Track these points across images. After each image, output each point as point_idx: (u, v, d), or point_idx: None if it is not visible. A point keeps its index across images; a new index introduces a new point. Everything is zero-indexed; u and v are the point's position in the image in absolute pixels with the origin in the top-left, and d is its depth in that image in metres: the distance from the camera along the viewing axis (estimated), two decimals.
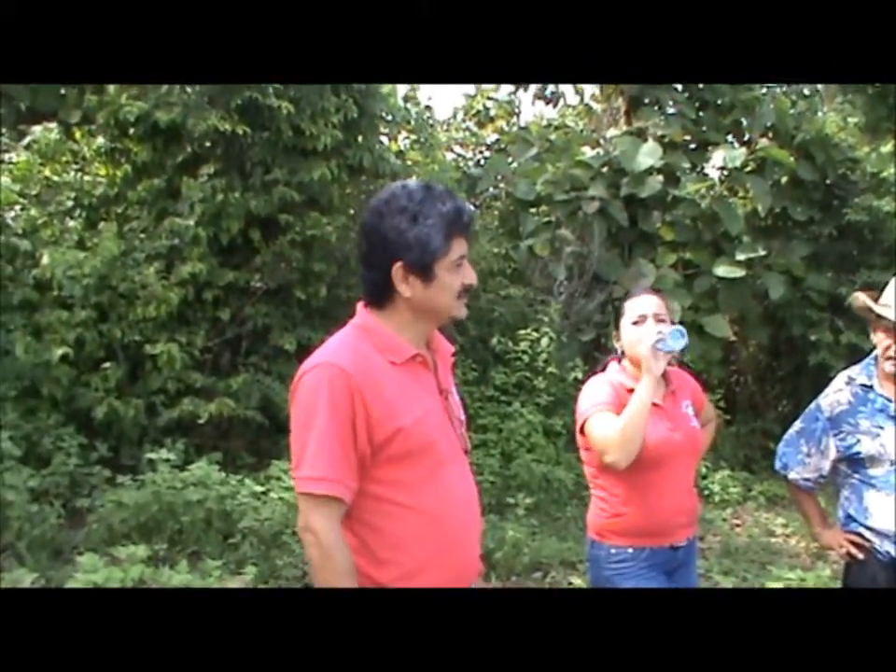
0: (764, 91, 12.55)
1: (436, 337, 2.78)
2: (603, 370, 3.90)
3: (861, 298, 3.80)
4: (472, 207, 11.39)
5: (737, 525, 9.15)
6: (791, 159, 11.34)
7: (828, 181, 11.88)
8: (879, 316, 3.67)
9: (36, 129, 8.86)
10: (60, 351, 7.57)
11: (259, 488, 7.30)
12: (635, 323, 3.72)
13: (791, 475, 4.01)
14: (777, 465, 4.10)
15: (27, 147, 8.87)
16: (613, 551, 3.72)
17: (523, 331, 10.11)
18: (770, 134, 11.89)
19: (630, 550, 3.69)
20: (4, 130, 9.49)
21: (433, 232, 2.52)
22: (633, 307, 3.76)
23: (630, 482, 3.64)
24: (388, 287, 2.58)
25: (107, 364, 8.00)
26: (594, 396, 3.72)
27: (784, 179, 11.90)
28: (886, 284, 3.74)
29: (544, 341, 10.01)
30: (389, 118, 10.37)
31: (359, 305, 2.70)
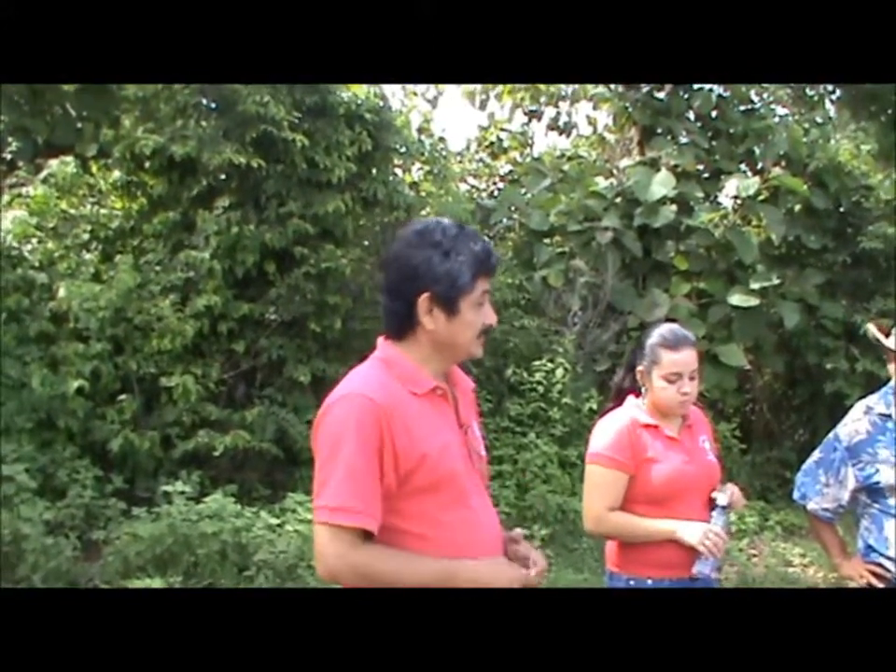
0: (777, 119, 12.60)
1: (455, 372, 2.79)
2: (620, 403, 3.89)
3: (872, 330, 3.80)
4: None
5: (754, 556, 9.09)
6: (805, 187, 11.33)
7: (841, 209, 11.89)
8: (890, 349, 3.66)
9: (53, 162, 8.92)
10: (76, 383, 7.60)
11: (274, 521, 7.29)
12: (670, 381, 3.70)
13: (810, 505, 3.99)
14: (796, 495, 4.07)
15: (44, 181, 8.93)
16: (632, 582, 3.70)
17: (537, 362, 10.09)
18: (783, 163, 11.91)
19: (649, 581, 3.66)
20: (21, 164, 9.55)
21: (463, 268, 2.55)
22: (669, 360, 3.70)
23: (646, 513, 3.64)
24: (412, 318, 2.59)
25: (123, 396, 8.03)
26: (604, 436, 3.75)
27: (797, 207, 11.89)
28: None
29: (559, 371, 9.99)
30: (403, 150, 10.41)
31: (380, 339, 2.71)
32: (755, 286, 10.68)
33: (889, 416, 3.75)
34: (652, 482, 3.62)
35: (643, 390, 3.80)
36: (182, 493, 7.16)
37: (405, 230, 2.67)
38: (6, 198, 9.09)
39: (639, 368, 3.78)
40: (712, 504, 3.69)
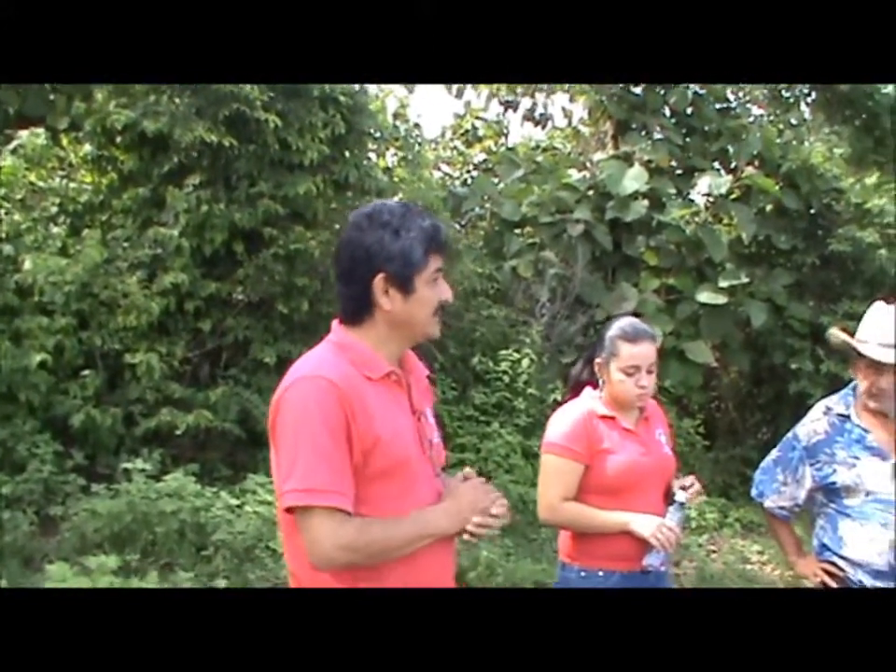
0: (752, 119, 12.66)
1: (410, 357, 2.79)
2: (577, 394, 3.90)
3: (838, 335, 3.81)
4: (457, 226, 11.42)
5: (713, 552, 9.15)
6: (777, 187, 11.42)
7: (812, 210, 11.96)
8: (859, 353, 3.67)
9: (23, 134, 8.82)
10: (39, 357, 7.51)
11: (234, 501, 7.27)
12: (628, 374, 3.70)
13: (767, 503, 4.01)
14: (753, 492, 4.10)
15: (13, 152, 8.81)
16: (583, 573, 3.72)
17: (504, 352, 10.10)
18: (756, 163, 11.97)
19: (600, 573, 3.68)
20: None
21: (415, 245, 2.56)
22: (628, 353, 3.71)
23: (601, 504, 3.65)
24: (368, 301, 2.59)
25: (86, 372, 7.95)
26: (560, 426, 3.78)
27: (769, 207, 11.96)
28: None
29: (525, 362, 10.01)
30: (378, 134, 10.38)
31: (335, 323, 2.70)
32: (724, 284, 10.73)
33: (847, 417, 3.77)
34: (607, 473, 3.64)
35: (601, 382, 3.81)
36: (142, 471, 7.11)
37: (354, 214, 2.68)
38: None
39: (598, 360, 3.79)
40: (670, 498, 3.71)
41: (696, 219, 11.42)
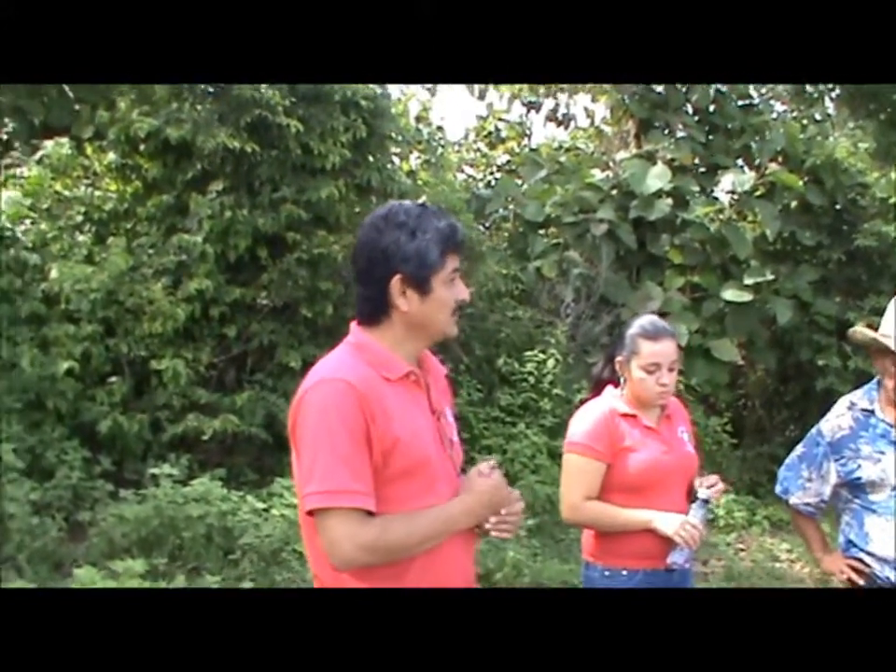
0: (775, 115, 12.60)
1: (428, 358, 2.79)
2: (599, 393, 3.90)
3: (862, 332, 3.78)
4: (481, 228, 11.42)
5: (742, 550, 9.10)
6: (801, 183, 11.36)
7: (837, 206, 11.90)
8: (883, 348, 3.64)
9: (48, 144, 8.90)
10: (66, 365, 7.59)
11: (260, 505, 7.30)
12: (649, 372, 3.70)
13: (792, 500, 3.99)
14: (778, 489, 4.07)
15: (39, 162, 8.91)
16: (607, 572, 3.71)
17: (529, 353, 10.10)
18: (780, 159, 11.93)
19: (624, 572, 3.67)
20: (17, 144, 9.55)
21: (431, 245, 2.56)
22: (649, 351, 3.71)
23: (624, 502, 3.65)
24: (385, 302, 2.59)
25: (113, 379, 8.02)
26: (581, 425, 3.79)
27: (793, 204, 11.92)
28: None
29: (550, 362, 10.00)
30: (400, 138, 10.39)
31: (353, 324, 2.71)
32: (749, 281, 10.71)
33: (871, 412, 3.75)
34: (629, 471, 3.63)
35: (622, 381, 3.80)
36: (170, 476, 7.14)
37: (370, 216, 2.67)
38: (0, 178, 9.08)
39: (619, 358, 3.79)
40: (692, 496, 3.70)
41: (720, 217, 11.39)
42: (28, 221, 8.54)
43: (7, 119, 9.93)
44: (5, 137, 9.98)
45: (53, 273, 7.86)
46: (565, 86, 13.67)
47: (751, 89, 12.77)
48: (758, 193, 11.56)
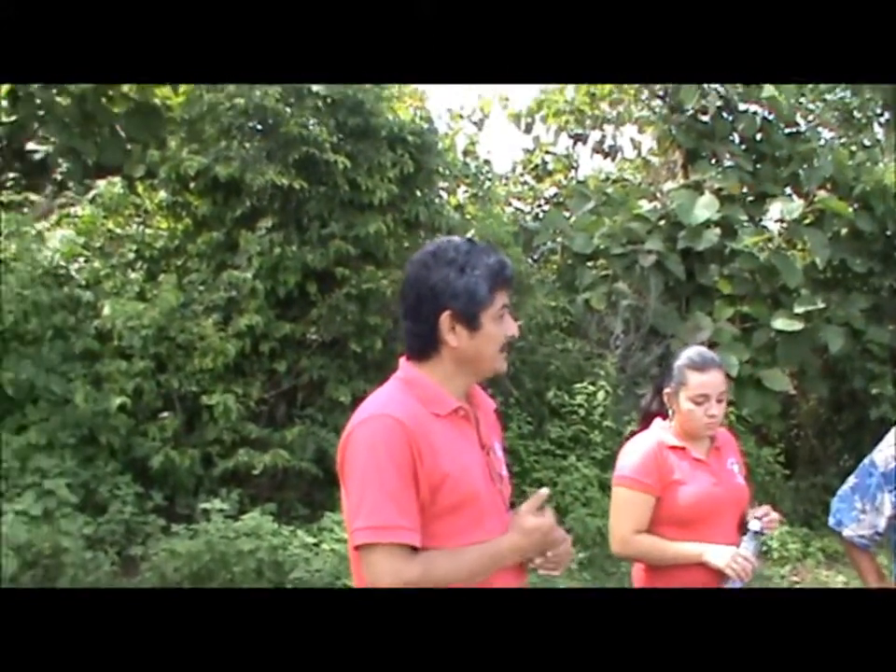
0: (822, 142, 12.52)
1: (477, 392, 2.78)
2: (647, 425, 3.89)
3: None
4: (529, 261, 11.43)
5: (796, 583, 8.99)
6: (850, 210, 11.26)
7: (888, 232, 11.76)
8: None
9: (101, 183, 9.05)
10: (118, 400, 7.69)
11: (311, 539, 7.33)
12: (697, 403, 3.68)
13: (846, 532, 3.93)
14: (831, 521, 4.01)
15: (92, 201, 9.05)
16: None
17: (579, 385, 10.08)
18: (828, 186, 11.83)
19: None
20: (71, 184, 9.71)
21: (480, 282, 2.56)
22: (696, 382, 3.69)
23: (674, 535, 3.62)
24: (434, 337, 2.59)
25: (165, 414, 8.12)
26: (630, 458, 3.78)
27: (843, 231, 11.79)
28: None
29: (600, 394, 9.97)
30: (447, 172, 10.45)
31: (402, 359, 2.71)
32: (799, 310, 10.62)
33: None
34: (679, 504, 3.61)
35: (670, 412, 3.79)
36: (221, 511, 7.21)
37: (418, 253, 2.68)
38: (54, 217, 9.23)
39: (666, 390, 3.77)
40: (744, 528, 3.66)
41: (769, 246, 11.30)
42: (81, 259, 8.68)
43: (60, 160, 10.11)
44: (59, 177, 10.16)
45: (106, 310, 7.97)
46: (611, 117, 13.68)
47: (798, 116, 12.72)
48: (807, 221, 11.47)
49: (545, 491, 2.65)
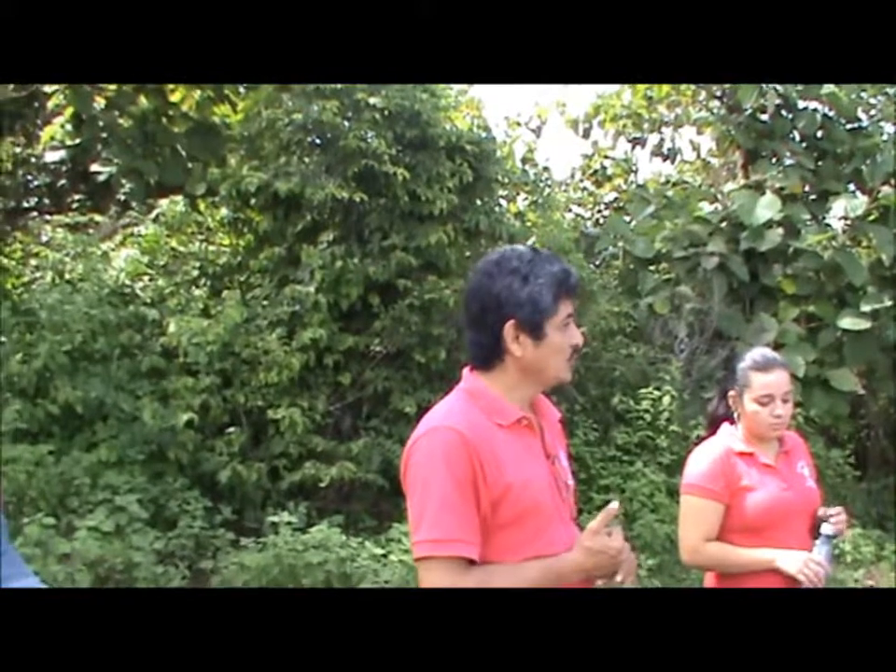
0: (885, 137, 12.34)
1: (541, 402, 2.76)
2: (715, 431, 3.86)
3: None
4: (591, 267, 11.39)
5: (871, 587, 8.85)
6: None
7: None
8: None
9: (164, 202, 9.17)
10: (185, 416, 7.78)
11: (379, 551, 7.35)
12: (762, 404, 3.65)
13: None
14: None
15: (155, 220, 9.19)
16: None
17: (644, 390, 10.01)
18: (892, 181, 11.65)
19: None
20: (134, 204, 9.86)
21: (544, 291, 2.53)
22: (760, 382, 3.66)
23: (744, 542, 3.59)
24: (498, 347, 2.57)
25: (231, 429, 8.20)
26: (698, 466, 3.75)
27: None
28: None
29: (666, 399, 9.90)
30: (506, 180, 10.45)
31: (465, 370, 2.70)
32: (866, 308, 10.47)
33: None
34: (748, 510, 3.57)
35: (737, 417, 3.76)
36: (289, 523, 7.26)
37: (482, 261, 2.66)
38: (119, 237, 9.38)
39: (731, 393, 3.75)
40: (816, 532, 3.62)
41: (833, 244, 11.16)
42: (146, 278, 8.82)
43: (124, 181, 10.26)
44: (122, 198, 10.32)
45: (171, 328, 8.09)
46: (669, 120, 13.61)
47: (859, 111, 12.55)
48: (871, 218, 11.31)
49: (614, 506, 2.56)
